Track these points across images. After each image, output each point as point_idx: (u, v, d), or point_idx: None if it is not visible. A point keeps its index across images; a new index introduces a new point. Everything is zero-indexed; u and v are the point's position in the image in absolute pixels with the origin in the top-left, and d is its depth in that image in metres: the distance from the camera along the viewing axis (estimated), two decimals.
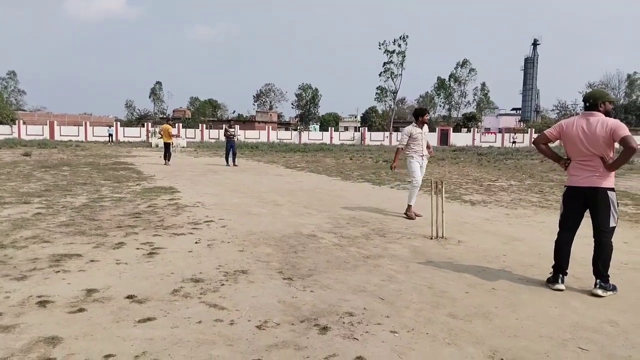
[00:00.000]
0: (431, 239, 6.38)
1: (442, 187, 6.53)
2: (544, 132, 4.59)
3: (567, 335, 3.39)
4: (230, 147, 19.96)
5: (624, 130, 4.17)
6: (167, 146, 20.12)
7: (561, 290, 4.33)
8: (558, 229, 4.60)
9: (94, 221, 7.05)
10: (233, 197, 10.08)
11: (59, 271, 4.62)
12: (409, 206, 8.13)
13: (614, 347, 3.21)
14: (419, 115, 8.47)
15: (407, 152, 8.45)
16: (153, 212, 7.98)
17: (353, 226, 7.20)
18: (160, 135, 22.68)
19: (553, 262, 4.54)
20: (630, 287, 4.43)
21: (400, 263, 5.22)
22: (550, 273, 4.55)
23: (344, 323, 3.54)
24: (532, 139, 4.66)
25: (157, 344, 3.14)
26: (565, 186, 4.56)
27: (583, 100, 4.50)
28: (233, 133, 20.62)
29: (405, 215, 8.02)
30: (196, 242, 5.90)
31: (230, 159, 19.78)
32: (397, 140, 8.44)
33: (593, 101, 4.37)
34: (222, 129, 61.17)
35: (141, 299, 3.94)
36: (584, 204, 4.39)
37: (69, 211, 7.85)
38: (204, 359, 2.95)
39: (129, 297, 3.98)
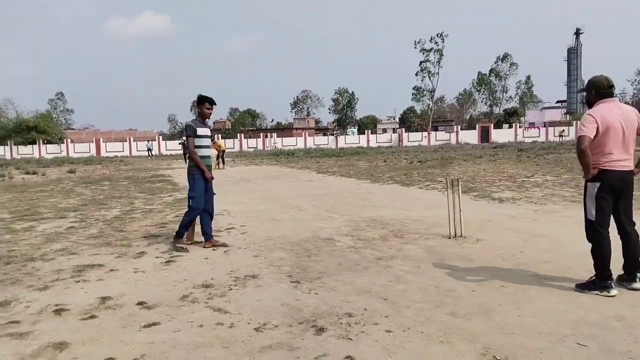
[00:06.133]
0: (449, 238, 6.32)
1: (458, 186, 6.46)
2: (585, 135, 3.98)
3: (567, 331, 3.31)
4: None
5: None
6: (218, 155, 24.86)
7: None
8: (599, 232, 4.12)
9: (121, 232, 7.34)
10: (259, 204, 10.26)
11: (79, 281, 4.85)
12: None
13: (614, 342, 3.12)
14: None
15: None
16: (179, 221, 8.19)
17: (372, 228, 7.20)
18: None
19: (601, 271, 4.08)
20: None
21: (412, 263, 5.20)
22: (596, 280, 4.11)
23: (341, 324, 3.57)
24: (580, 148, 4.01)
25: (157, 347, 3.27)
26: (595, 180, 4.09)
27: (610, 86, 4.15)
28: None
29: None
30: (213, 249, 6.06)
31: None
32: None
33: (614, 87, 4.23)
34: (259, 137, 62.30)
35: (151, 305, 4.10)
36: (617, 194, 4.15)
37: (100, 224, 8.20)
38: None
39: (140, 303, 4.15)
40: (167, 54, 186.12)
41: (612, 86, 4.19)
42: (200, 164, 6.06)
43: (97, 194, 13.18)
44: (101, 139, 60.49)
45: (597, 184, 4.11)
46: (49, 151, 55.46)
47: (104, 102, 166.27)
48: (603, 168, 4.07)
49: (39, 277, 5.01)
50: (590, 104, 4.23)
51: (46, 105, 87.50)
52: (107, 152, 56.91)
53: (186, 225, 6.18)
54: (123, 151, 57.58)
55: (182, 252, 5.89)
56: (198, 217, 6.26)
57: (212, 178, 6.24)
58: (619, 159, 4.07)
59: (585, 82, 4.51)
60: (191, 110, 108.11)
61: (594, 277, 4.14)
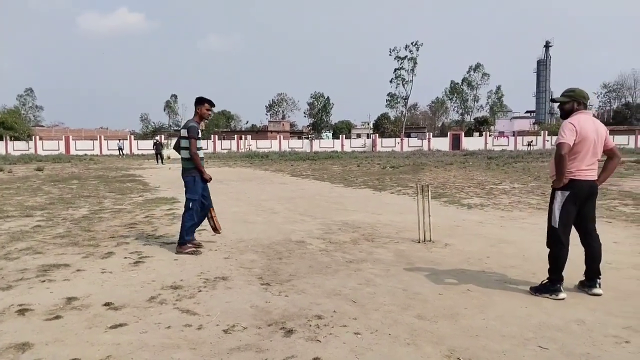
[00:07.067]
0: (418, 242, 6.41)
1: (428, 192, 6.56)
2: (566, 142, 4.10)
3: (530, 335, 3.40)
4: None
5: None
6: None
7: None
8: (560, 239, 4.25)
9: (89, 232, 7.21)
10: (232, 206, 10.20)
11: (44, 281, 4.75)
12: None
13: (574, 346, 3.22)
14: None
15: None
16: (149, 222, 8.13)
17: (344, 232, 7.25)
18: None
19: (554, 275, 4.26)
20: (607, 286, 4.40)
21: (381, 267, 5.26)
22: (547, 283, 4.28)
23: (310, 326, 3.60)
24: (561, 154, 4.11)
25: (123, 348, 3.23)
26: (565, 189, 4.22)
27: (586, 98, 4.36)
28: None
29: None
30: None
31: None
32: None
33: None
34: (233, 139, 62.00)
35: (117, 306, 4.04)
36: (582, 202, 4.30)
37: (67, 223, 8.03)
38: None
39: (106, 304, 4.09)
40: (140, 52, 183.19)
41: (587, 98, 4.42)
42: (200, 165, 6.03)
43: (65, 193, 12.90)
44: (71, 137, 59.19)
45: (567, 193, 4.24)
46: (16, 148, 53.97)
47: (75, 99, 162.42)
48: (573, 178, 4.21)
49: (2, 277, 4.89)
50: (567, 112, 4.35)
51: (14, 101, 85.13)
52: (76, 150, 55.69)
53: (189, 230, 6.05)
54: (93, 150, 56.44)
55: (195, 254, 5.80)
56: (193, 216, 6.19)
57: (211, 179, 6.20)
58: (588, 169, 4.23)
59: (553, 93, 4.65)
60: (164, 110, 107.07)
61: (546, 281, 4.31)
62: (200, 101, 6.08)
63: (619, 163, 4.45)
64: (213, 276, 4.92)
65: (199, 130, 6.07)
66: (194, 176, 6.05)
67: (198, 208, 6.12)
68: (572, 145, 4.13)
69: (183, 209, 6.23)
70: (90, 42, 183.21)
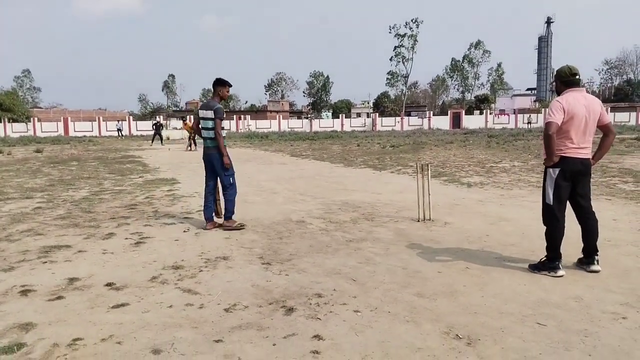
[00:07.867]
0: (418, 221, 6.43)
1: (427, 170, 6.56)
2: (553, 121, 4.09)
3: (528, 312, 3.43)
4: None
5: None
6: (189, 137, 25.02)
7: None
8: (555, 216, 4.28)
9: (89, 213, 7.23)
10: None
11: (46, 262, 4.78)
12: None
13: (572, 322, 3.26)
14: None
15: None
16: (149, 203, 8.15)
17: (344, 211, 7.27)
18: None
19: (552, 253, 4.28)
20: (605, 263, 4.42)
21: (381, 245, 5.29)
22: (546, 261, 4.30)
23: (310, 304, 3.63)
24: (548, 133, 4.11)
25: (126, 327, 3.27)
26: (556, 166, 4.24)
27: (573, 74, 4.27)
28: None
29: None
30: (184, 231, 6.04)
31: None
32: None
33: (579, 76, 4.36)
34: (232, 119, 61.79)
35: (119, 286, 4.08)
36: (575, 180, 4.32)
37: (68, 204, 8.05)
38: (167, 340, 3.07)
39: (108, 284, 4.12)
40: (137, 32, 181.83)
41: (575, 74, 4.31)
42: (223, 148, 6.12)
43: (65, 175, 12.91)
44: (69, 118, 58.89)
45: (557, 170, 4.26)
46: (15, 130, 53.78)
47: (73, 80, 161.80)
48: (564, 155, 4.22)
49: (4, 258, 4.92)
50: (559, 93, 4.38)
51: (12, 82, 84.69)
52: (75, 131, 55.48)
53: (234, 202, 6.31)
54: (92, 131, 56.21)
55: (240, 228, 6.12)
56: (204, 199, 6.47)
57: (229, 164, 6.23)
58: (579, 147, 4.23)
59: (555, 70, 4.65)
60: (162, 90, 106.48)
61: (544, 259, 4.34)
62: (221, 83, 6.21)
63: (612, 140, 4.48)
64: (214, 256, 4.95)
65: (224, 111, 6.20)
66: (226, 155, 6.21)
67: (236, 182, 6.39)
68: (560, 124, 4.12)
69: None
70: (86, 22, 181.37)
